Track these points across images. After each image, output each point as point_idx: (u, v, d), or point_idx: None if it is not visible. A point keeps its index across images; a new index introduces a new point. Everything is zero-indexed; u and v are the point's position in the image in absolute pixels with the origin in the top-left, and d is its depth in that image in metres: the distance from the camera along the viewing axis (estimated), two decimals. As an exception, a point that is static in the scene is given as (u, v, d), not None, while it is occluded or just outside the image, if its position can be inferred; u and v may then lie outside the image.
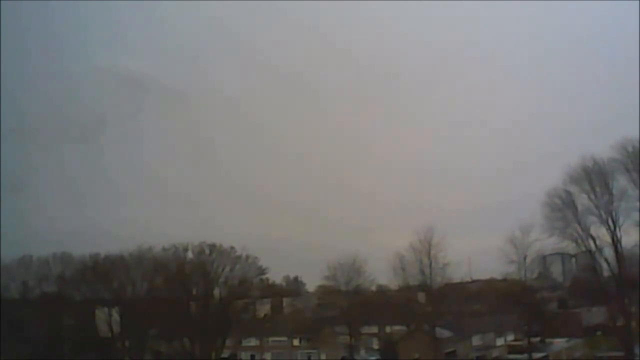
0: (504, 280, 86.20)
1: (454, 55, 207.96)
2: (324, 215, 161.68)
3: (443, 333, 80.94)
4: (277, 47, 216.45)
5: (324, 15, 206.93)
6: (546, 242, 67.18)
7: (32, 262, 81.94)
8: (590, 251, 65.17)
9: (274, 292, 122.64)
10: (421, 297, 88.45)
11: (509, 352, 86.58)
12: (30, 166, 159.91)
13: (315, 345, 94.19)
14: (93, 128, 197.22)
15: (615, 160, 61.46)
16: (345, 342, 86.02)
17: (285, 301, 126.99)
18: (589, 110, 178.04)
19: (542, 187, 66.24)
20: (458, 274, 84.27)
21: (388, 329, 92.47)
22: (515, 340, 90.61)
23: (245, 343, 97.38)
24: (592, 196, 62.85)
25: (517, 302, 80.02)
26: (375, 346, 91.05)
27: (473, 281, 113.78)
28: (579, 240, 64.44)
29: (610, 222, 62.25)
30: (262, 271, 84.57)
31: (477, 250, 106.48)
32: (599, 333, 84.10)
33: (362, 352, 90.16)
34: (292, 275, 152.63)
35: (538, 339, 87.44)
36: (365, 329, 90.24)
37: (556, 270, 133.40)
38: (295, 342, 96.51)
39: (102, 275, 79.76)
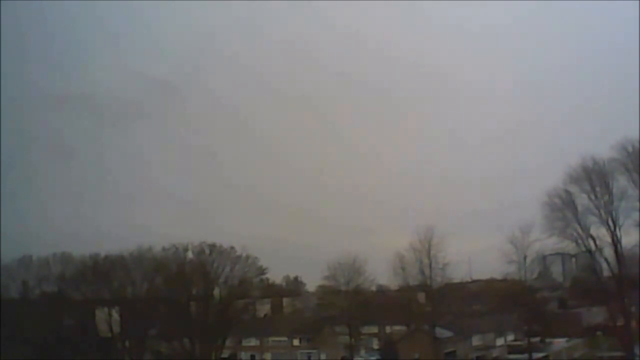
0: (504, 280, 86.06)
1: (454, 55, 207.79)
2: (324, 215, 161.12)
3: (443, 333, 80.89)
4: (276, 50, 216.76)
5: (324, 16, 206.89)
6: (546, 242, 67.49)
7: (32, 262, 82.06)
8: (590, 251, 65.19)
9: (274, 292, 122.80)
10: (421, 297, 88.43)
11: (509, 352, 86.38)
12: (30, 166, 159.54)
13: (315, 345, 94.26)
14: (93, 128, 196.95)
15: (615, 160, 61.65)
16: (345, 342, 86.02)
17: (285, 301, 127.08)
18: (588, 110, 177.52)
19: (542, 188, 66.45)
20: (458, 274, 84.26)
21: (388, 329, 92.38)
22: (515, 340, 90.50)
23: (245, 343, 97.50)
24: (592, 196, 63.00)
25: (517, 302, 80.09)
26: (375, 346, 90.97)
27: (473, 281, 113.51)
28: (579, 240, 64.62)
29: (610, 222, 62.38)
30: (262, 271, 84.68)
31: (477, 250, 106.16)
32: (599, 333, 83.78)
33: (362, 352, 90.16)
34: (292, 275, 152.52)
35: (538, 339, 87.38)
36: (365, 329, 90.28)
37: (556, 270, 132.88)
38: (295, 342, 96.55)
39: (102, 275, 79.86)
